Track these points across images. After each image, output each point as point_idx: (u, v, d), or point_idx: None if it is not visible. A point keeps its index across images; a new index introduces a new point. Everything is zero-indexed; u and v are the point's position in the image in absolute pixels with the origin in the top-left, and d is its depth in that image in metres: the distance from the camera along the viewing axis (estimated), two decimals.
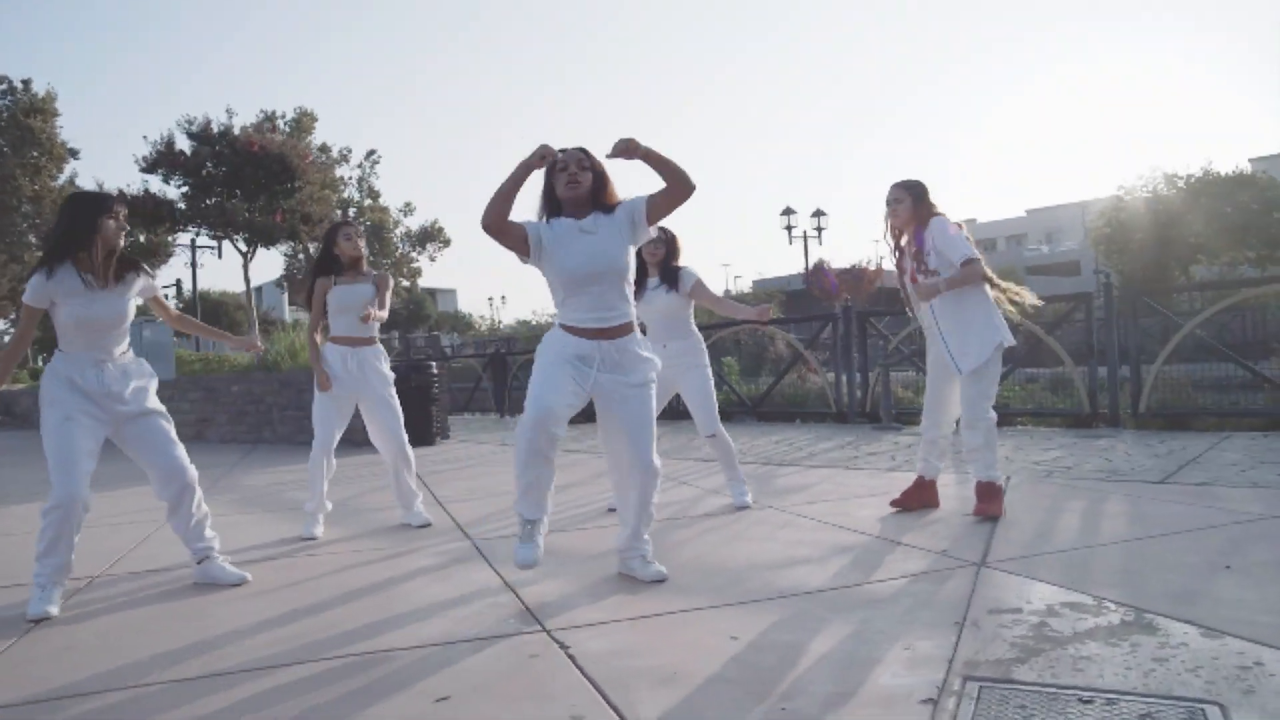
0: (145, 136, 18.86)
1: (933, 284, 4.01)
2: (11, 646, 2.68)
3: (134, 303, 3.35)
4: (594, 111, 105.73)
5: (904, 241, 4.25)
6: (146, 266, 3.50)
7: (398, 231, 52.93)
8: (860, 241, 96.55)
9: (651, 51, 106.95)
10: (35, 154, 40.43)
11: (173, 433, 3.36)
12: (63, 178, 42.16)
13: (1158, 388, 7.81)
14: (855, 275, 37.54)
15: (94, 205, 3.21)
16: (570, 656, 2.34)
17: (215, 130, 12.61)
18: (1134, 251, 28.59)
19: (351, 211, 51.63)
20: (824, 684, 2.06)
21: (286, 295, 47.21)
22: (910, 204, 4.14)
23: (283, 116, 49.28)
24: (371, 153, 51.83)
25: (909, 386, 10.03)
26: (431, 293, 57.62)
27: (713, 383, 4.67)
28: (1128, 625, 2.37)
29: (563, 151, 3.02)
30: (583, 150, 3.08)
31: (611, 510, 4.59)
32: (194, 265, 20.22)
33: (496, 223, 2.93)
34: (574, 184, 3.01)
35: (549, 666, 2.27)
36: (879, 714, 1.87)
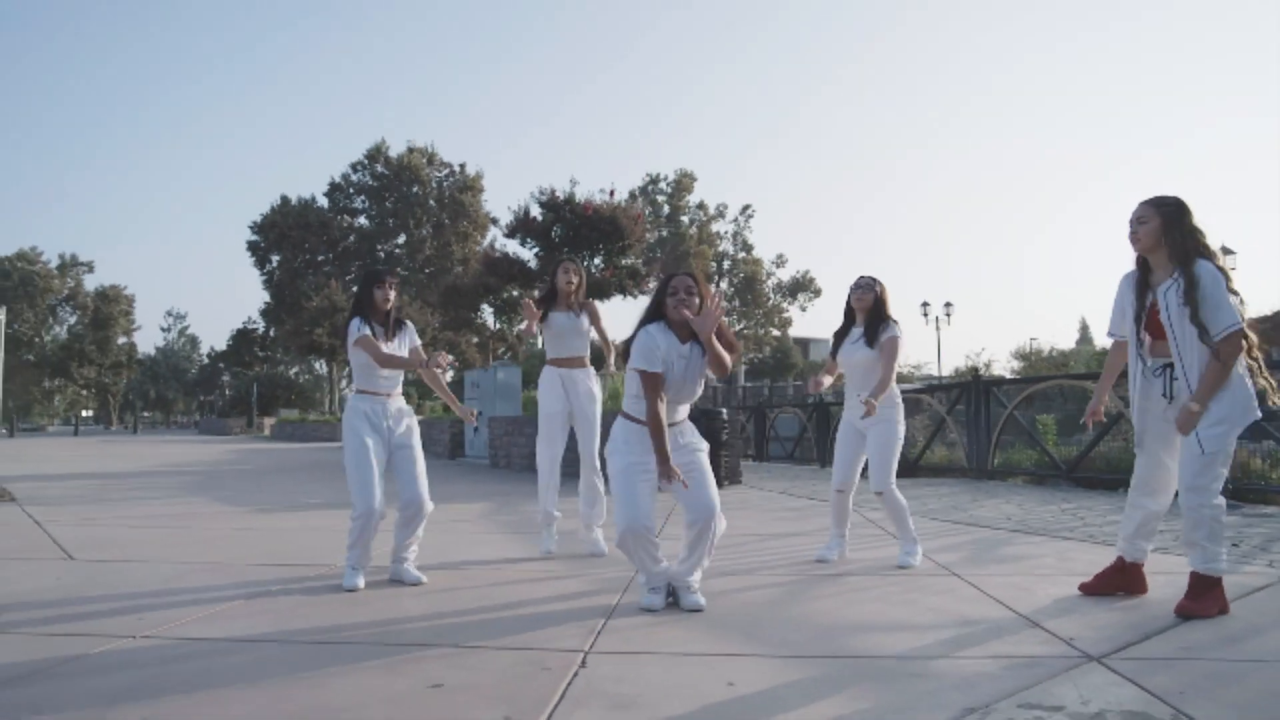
0: (509, 207, 22.92)
1: (1191, 415, 3.30)
2: (261, 598, 3.56)
3: (405, 349, 4.26)
4: (980, 161, 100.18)
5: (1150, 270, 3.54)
6: (409, 325, 4.41)
7: (770, 282, 55.31)
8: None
9: (1041, 93, 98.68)
10: (465, 223, 49.32)
11: (423, 467, 4.20)
12: (485, 242, 50.78)
13: None
14: (1274, 323, 31.28)
15: (371, 277, 4.24)
16: (575, 674, 2.56)
17: (560, 198, 14.45)
18: None
19: (725, 264, 54.98)
20: None
21: None
22: (1157, 226, 3.42)
23: (665, 178, 54.18)
24: (746, 207, 54.88)
25: (1266, 457, 8.28)
26: (803, 342, 58.68)
27: (899, 441, 4.50)
28: None
29: (674, 277, 3.56)
30: (691, 277, 3.57)
31: (820, 560, 4.59)
32: None
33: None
34: (682, 306, 3.48)
35: (543, 680, 2.51)
36: None
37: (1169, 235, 3.40)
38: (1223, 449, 3.31)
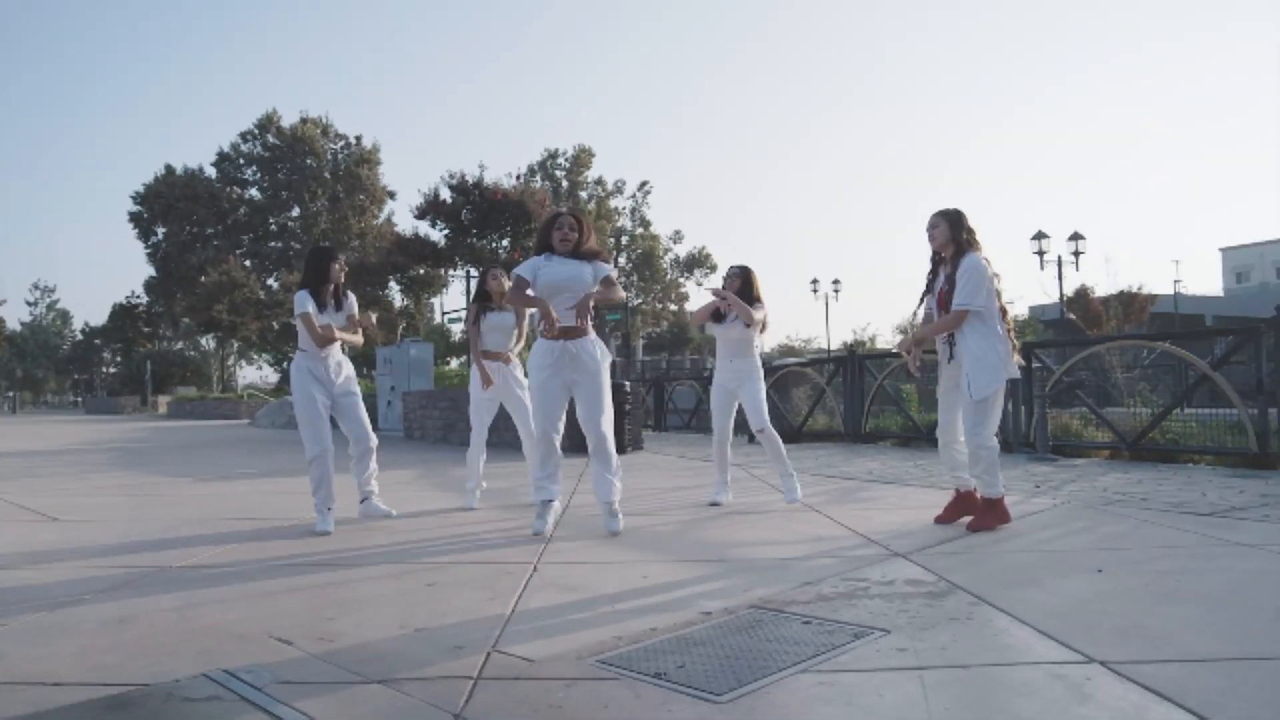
0: (419, 189, 23.41)
1: (918, 334, 4.63)
2: (256, 539, 4.33)
3: (345, 317, 5.05)
4: (869, 141, 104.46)
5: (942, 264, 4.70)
6: (351, 295, 5.20)
7: (667, 258, 56.60)
8: (1140, 266, 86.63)
9: (934, 80, 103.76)
10: (362, 197, 48.57)
11: (363, 410, 5.08)
12: (382, 216, 50.12)
13: None
14: (1125, 301, 34.51)
15: (326, 255, 4.99)
16: (531, 575, 3.49)
17: (470, 182, 15.07)
18: None
19: (624, 239, 55.98)
20: (656, 598, 3.05)
21: None
22: (946, 229, 4.56)
23: (564, 154, 54.43)
24: (644, 184, 55.81)
25: (1089, 421, 9.85)
26: None
27: (764, 392, 5.62)
28: (923, 594, 3.07)
29: (559, 215, 4.62)
30: (571, 214, 4.61)
31: (713, 504, 5.61)
32: (468, 294, 23.97)
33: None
34: (565, 241, 4.52)
35: (509, 579, 3.44)
36: (664, 616, 2.83)
37: (954, 237, 4.56)
38: (988, 398, 4.43)
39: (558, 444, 4.60)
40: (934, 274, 4.71)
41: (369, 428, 5.04)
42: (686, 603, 3.01)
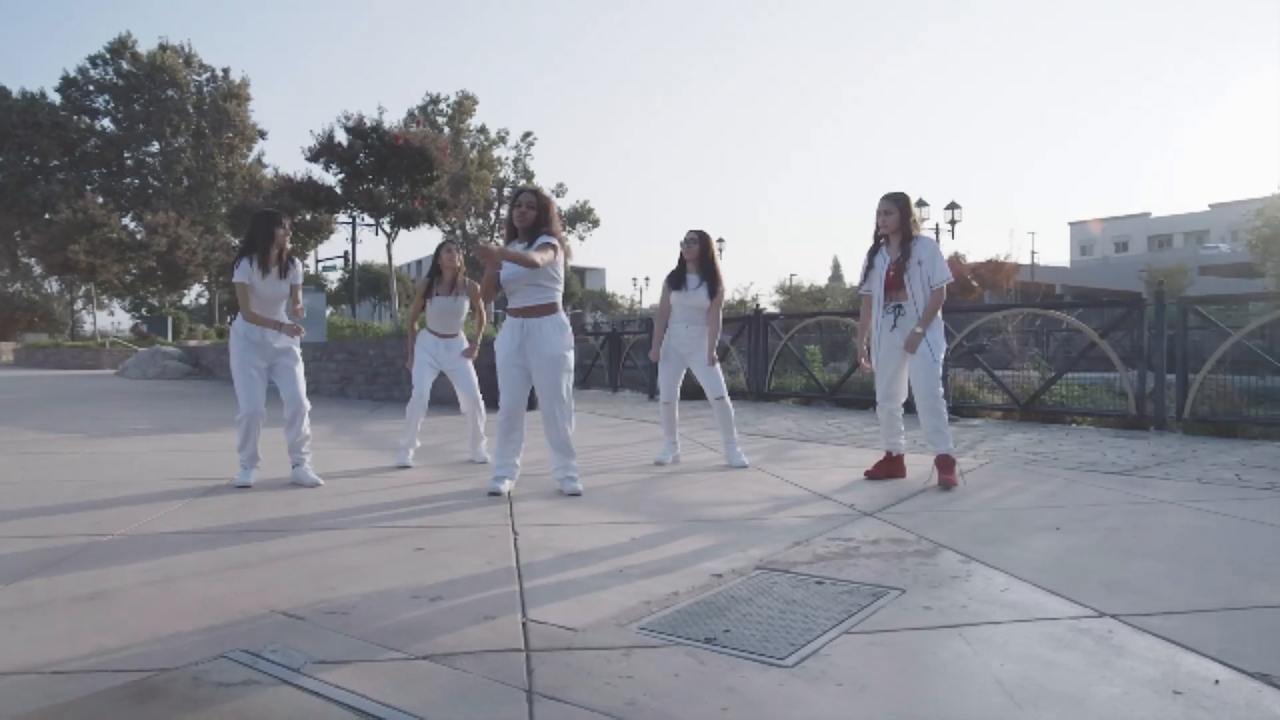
0: (311, 130, 22.21)
1: (916, 337, 4.67)
2: (193, 502, 4.03)
3: (289, 286, 4.89)
4: (745, 97, 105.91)
5: (887, 244, 4.91)
6: (298, 262, 4.96)
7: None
8: (999, 234, 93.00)
9: (806, 37, 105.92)
10: (230, 135, 45.46)
11: (301, 374, 4.94)
12: (251, 156, 47.12)
13: (1207, 396, 8.02)
14: (993, 269, 36.56)
15: (271, 220, 4.78)
16: (516, 538, 3.41)
17: (368, 125, 14.34)
18: None
19: (506, 191, 54.89)
20: (655, 560, 3.04)
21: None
22: (899, 215, 4.79)
23: (446, 99, 52.52)
24: (528, 134, 54.73)
25: (984, 384, 10.43)
26: (580, 272, 59.99)
27: (718, 360, 5.63)
28: (912, 553, 3.19)
29: (521, 193, 4.45)
30: (532, 191, 4.45)
31: (658, 463, 5.64)
32: (353, 242, 22.98)
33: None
34: (523, 217, 4.38)
35: (497, 541, 3.36)
36: (677, 579, 2.83)
37: (904, 221, 4.80)
38: (941, 358, 4.77)
39: (521, 422, 4.57)
40: (875, 253, 4.94)
41: (302, 392, 4.92)
42: (689, 564, 3.02)
